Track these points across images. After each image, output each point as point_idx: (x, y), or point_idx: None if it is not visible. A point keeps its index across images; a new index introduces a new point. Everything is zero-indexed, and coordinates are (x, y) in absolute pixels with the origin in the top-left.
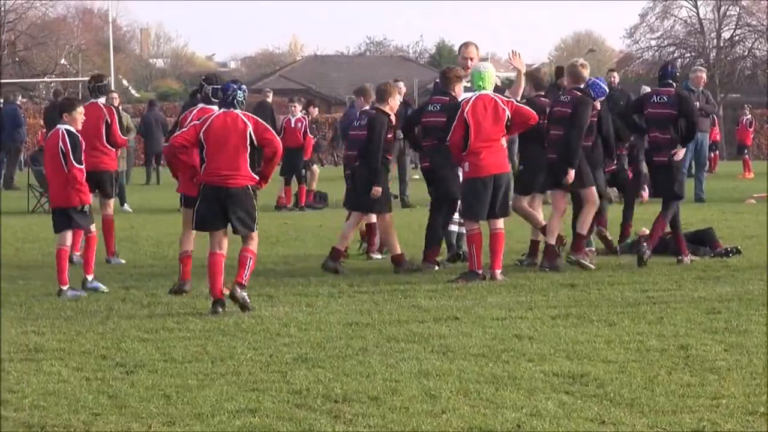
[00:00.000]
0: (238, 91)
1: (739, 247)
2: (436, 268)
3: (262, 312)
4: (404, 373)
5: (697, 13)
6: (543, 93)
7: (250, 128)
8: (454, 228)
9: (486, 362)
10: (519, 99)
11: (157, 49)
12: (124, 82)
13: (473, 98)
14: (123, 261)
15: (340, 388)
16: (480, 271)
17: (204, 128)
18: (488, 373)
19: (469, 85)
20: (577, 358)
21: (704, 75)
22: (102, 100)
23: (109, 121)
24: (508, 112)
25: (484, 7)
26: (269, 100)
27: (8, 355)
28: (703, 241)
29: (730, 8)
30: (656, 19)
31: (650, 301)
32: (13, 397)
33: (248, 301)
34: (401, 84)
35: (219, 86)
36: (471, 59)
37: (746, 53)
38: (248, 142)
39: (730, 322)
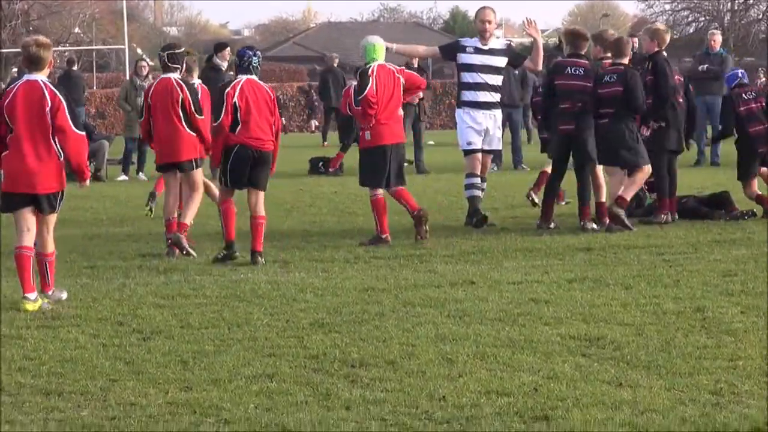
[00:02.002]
0: (254, 57)
1: (754, 210)
2: (594, 226)
3: (278, 278)
4: (421, 337)
5: None
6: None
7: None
8: (478, 193)
9: (502, 326)
10: (539, 67)
11: (170, 18)
12: (138, 50)
13: (375, 69)
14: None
15: (356, 353)
16: (384, 236)
17: (236, 94)
18: (505, 337)
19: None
20: (594, 321)
21: (718, 37)
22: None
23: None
24: (402, 81)
25: None
26: (335, 64)
27: (25, 322)
28: (719, 204)
29: None
30: None
31: (666, 264)
32: (31, 364)
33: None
34: None
35: (177, 52)
36: (489, 22)
37: (761, 16)
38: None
39: (746, 285)
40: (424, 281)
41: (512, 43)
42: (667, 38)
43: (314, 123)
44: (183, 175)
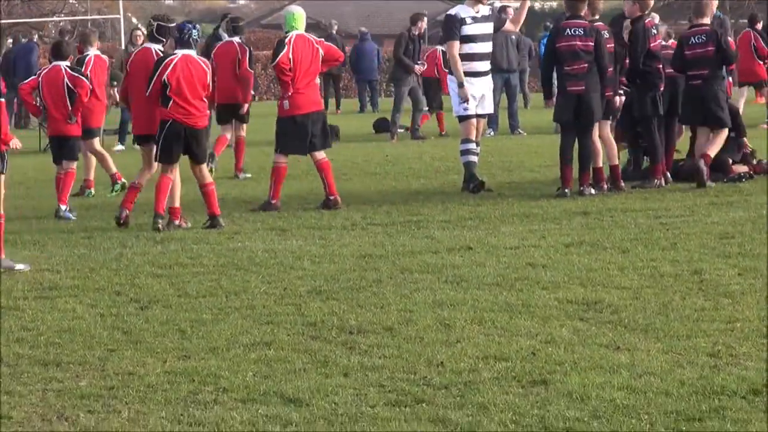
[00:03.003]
0: (193, 30)
1: (752, 173)
2: (592, 191)
3: (276, 245)
4: (418, 303)
5: None
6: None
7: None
8: (474, 158)
9: (500, 291)
10: (519, 28)
11: None
12: (134, 20)
13: (293, 38)
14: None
15: (354, 320)
16: (274, 201)
17: (167, 72)
18: (502, 302)
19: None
20: (591, 285)
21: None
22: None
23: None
24: (321, 52)
25: None
26: (335, 31)
27: (23, 293)
28: (716, 167)
29: None
30: None
31: (663, 228)
32: (29, 335)
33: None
34: None
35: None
36: None
37: None
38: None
39: (743, 247)
40: (421, 247)
41: (510, 8)
42: (651, 3)
43: None
44: None
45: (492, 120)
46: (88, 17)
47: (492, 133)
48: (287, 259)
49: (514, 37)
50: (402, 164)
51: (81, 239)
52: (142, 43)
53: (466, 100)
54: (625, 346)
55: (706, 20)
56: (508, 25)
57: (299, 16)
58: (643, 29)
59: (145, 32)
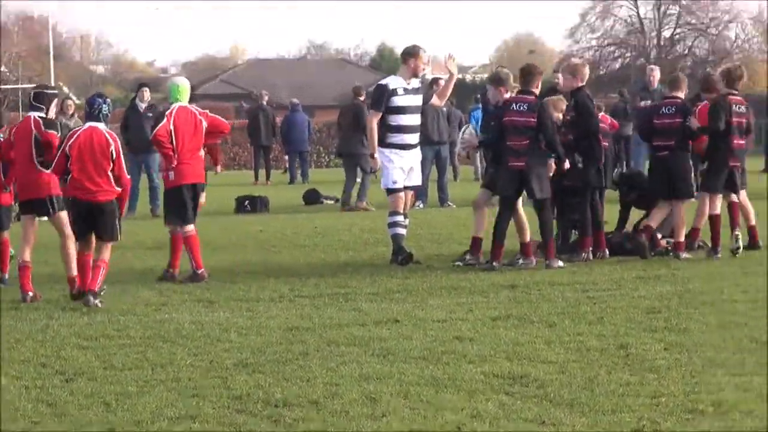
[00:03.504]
0: (104, 105)
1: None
2: (560, 263)
3: (203, 317)
4: (345, 376)
5: (638, 13)
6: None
7: (112, 146)
8: (402, 231)
9: (426, 364)
10: (444, 101)
11: (97, 56)
12: (65, 89)
13: (175, 110)
14: None
15: (280, 393)
16: (200, 271)
17: (70, 143)
18: (428, 376)
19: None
20: (518, 359)
21: (657, 73)
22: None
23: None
24: (204, 123)
25: (424, 8)
26: (265, 101)
27: None
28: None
29: (670, 7)
30: (596, 19)
31: (590, 302)
32: None
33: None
34: None
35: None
36: (423, 61)
37: (686, 52)
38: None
39: (669, 321)
40: (348, 320)
41: (440, 81)
42: (587, 72)
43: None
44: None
45: (421, 192)
46: (19, 86)
47: (421, 206)
48: (214, 331)
49: (444, 109)
50: (331, 236)
51: (8, 310)
52: (73, 113)
53: (374, 171)
54: (550, 420)
55: (680, 94)
56: (434, 100)
57: (183, 88)
58: (590, 99)
59: (77, 102)
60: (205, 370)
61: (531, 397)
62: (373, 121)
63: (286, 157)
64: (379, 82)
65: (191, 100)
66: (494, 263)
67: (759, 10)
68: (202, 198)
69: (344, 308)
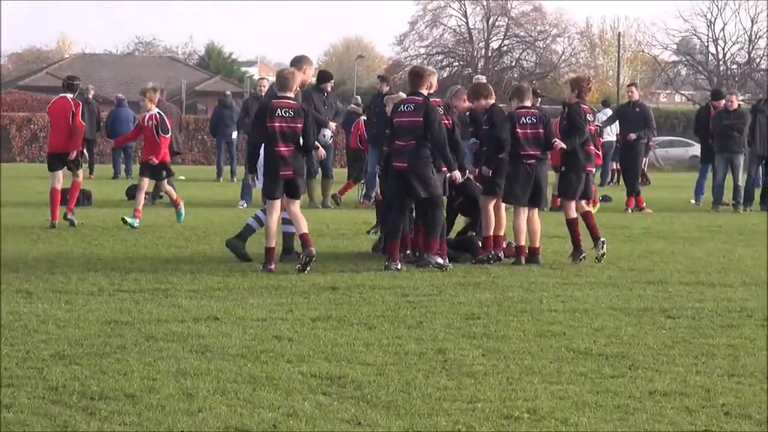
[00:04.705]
0: None
1: (500, 254)
2: (439, 260)
3: (21, 308)
4: (162, 371)
5: (467, 23)
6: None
7: None
8: (292, 228)
9: (244, 362)
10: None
11: None
12: None
13: None
14: None
15: (96, 386)
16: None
17: None
18: (246, 374)
19: None
20: (336, 360)
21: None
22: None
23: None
24: None
25: (253, 8)
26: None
27: None
28: (465, 247)
29: (499, 19)
30: (426, 27)
31: (411, 306)
32: None
33: None
34: None
35: None
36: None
37: (514, 64)
38: None
39: (488, 328)
40: (167, 315)
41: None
42: (586, 87)
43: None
44: None
45: (246, 192)
46: None
47: (245, 205)
48: (32, 322)
49: None
50: (153, 232)
51: None
52: None
53: None
54: (366, 422)
55: (528, 103)
56: None
57: None
58: (579, 114)
59: None
60: (22, 360)
61: (348, 398)
62: None
63: (111, 152)
64: None
65: (19, 89)
66: (396, 265)
67: (586, 24)
68: None
69: (164, 304)
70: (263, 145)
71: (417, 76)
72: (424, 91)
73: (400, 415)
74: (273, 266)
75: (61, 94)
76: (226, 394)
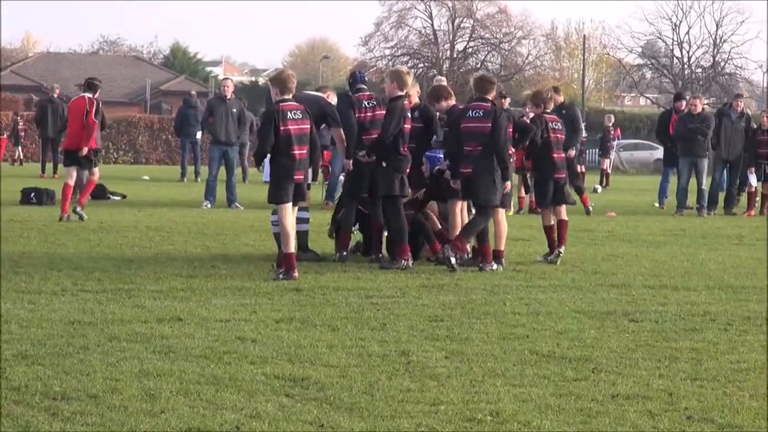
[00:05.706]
0: None
1: (467, 255)
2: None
3: None
4: (125, 372)
5: (432, 24)
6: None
7: None
8: (305, 227)
9: (207, 363)
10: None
11: None
12: None
13: None
14: None
15: (59, 386)
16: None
17: None
18: (209, 374)
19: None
20: (299, 361)
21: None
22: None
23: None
24: None
25: (218, 8)
26: (57, 95)
27: None
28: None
29: (464, 21)
30: (391, 29)
31: (374, 308)
32: None
33: None
34: None
35: None
36: None
37: (479, 65)
38: None
39: (451, 330)
40: (130, 316)
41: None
42: (551, 96)
43: (19, 152)
44: None
45: (209, 192)
46: None
47: (209, 206)
48: None
49: (235, 110)
50: (117, 232)
51: None
52: None
53: None
54: (329, 423)
55: (489, 97)
56: None
57: None
58: (571, 118)
59: None
60: None
61: (311, 399)
62: None
63: None
64: None
65: None
66: (343, 252)
67: (552, 27)
68: None
69: (127, 304)
70: (273, 149)
71: (487, 82)
72: (491, 98)
73: (362, 416)
74: (296, 273)
75: (81, 93)
76: (189, 395)
